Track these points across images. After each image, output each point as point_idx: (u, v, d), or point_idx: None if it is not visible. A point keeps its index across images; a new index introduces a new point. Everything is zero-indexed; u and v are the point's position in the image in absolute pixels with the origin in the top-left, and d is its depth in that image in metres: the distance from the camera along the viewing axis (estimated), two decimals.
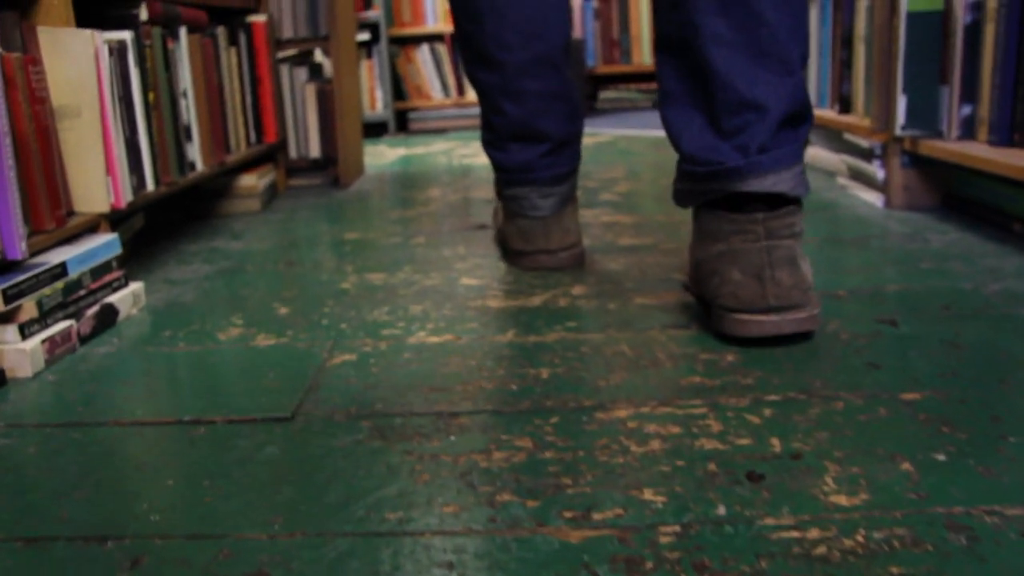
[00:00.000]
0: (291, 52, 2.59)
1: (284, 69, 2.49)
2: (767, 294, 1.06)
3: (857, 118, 2.14)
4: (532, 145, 1.47)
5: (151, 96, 1.66)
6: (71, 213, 1.42)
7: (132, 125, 1.58)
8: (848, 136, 2.15)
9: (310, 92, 2.48)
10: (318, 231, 1.95)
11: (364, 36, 3.72)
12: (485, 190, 2.33)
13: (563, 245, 1.52)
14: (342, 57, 2.47)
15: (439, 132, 3.87)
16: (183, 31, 1.85)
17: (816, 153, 2.41)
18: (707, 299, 1.15)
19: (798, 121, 1.11)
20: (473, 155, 3.08)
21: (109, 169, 1.47)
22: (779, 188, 1.08)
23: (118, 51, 1.53)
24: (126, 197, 1.53)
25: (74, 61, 1.39)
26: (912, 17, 1.73)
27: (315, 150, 2.51)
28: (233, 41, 2.21)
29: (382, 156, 3.19)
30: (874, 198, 1.93)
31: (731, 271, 1.09)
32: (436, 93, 3.88)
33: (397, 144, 3.48)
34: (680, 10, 1.10)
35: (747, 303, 1.07)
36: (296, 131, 2.52)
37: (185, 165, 1.84)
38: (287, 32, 2.47)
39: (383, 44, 3.75)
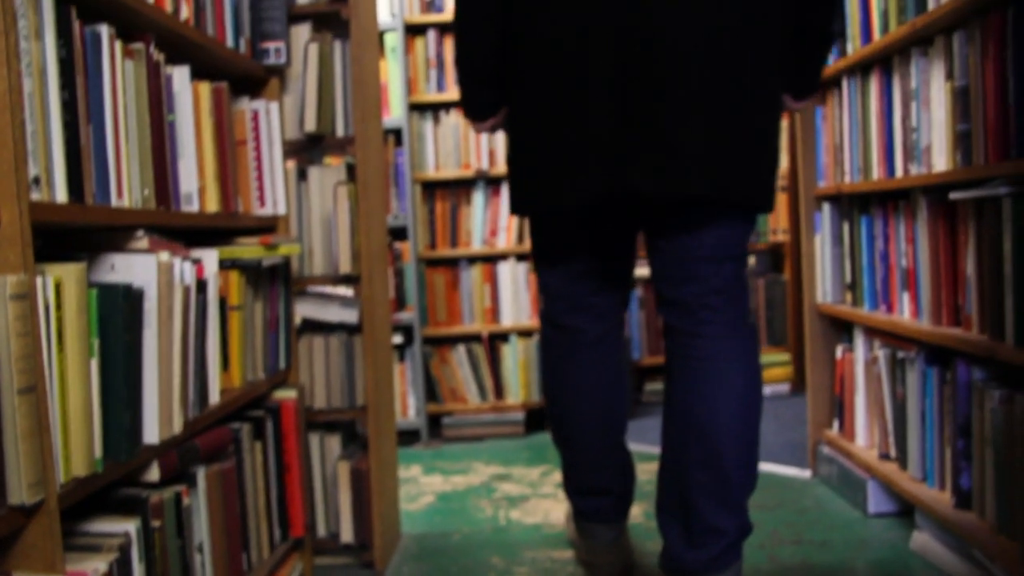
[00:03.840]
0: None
1: (314, 438, 2.21)
2: None
3: (987, 527, 1.82)
4: (603, 498, 1.98)
5: None
6: None
7: None
8: (981, 556, 1.82)
9: (343, 471, 2.18)
10: None
11: (397, 339, 3.48)
12: None
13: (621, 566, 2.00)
14: (381, 432, 2.19)
15: (476, 440, 3.56)
16: (201, 471, 1.56)
17: (928, 544, 2.08)
18: None
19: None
20: (518, 497, 2.77)
21: None
22: None
23: (118, 564, 1.23)
24: None
25: None
26: None
27: (347, 533, 2.19)
28: (259, 434, 1.93)
29: (417, 493, 2.87)
30: None
31: None
32: (472, 397, 3.60)
33: (432, 467, 3.17)
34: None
35: None
36: (327, 509, 2.21)
37: None
38: (320, 402, 2.20)
39: (416, 346, 3.50)
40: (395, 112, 3.50)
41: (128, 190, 1.41)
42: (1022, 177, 1.64)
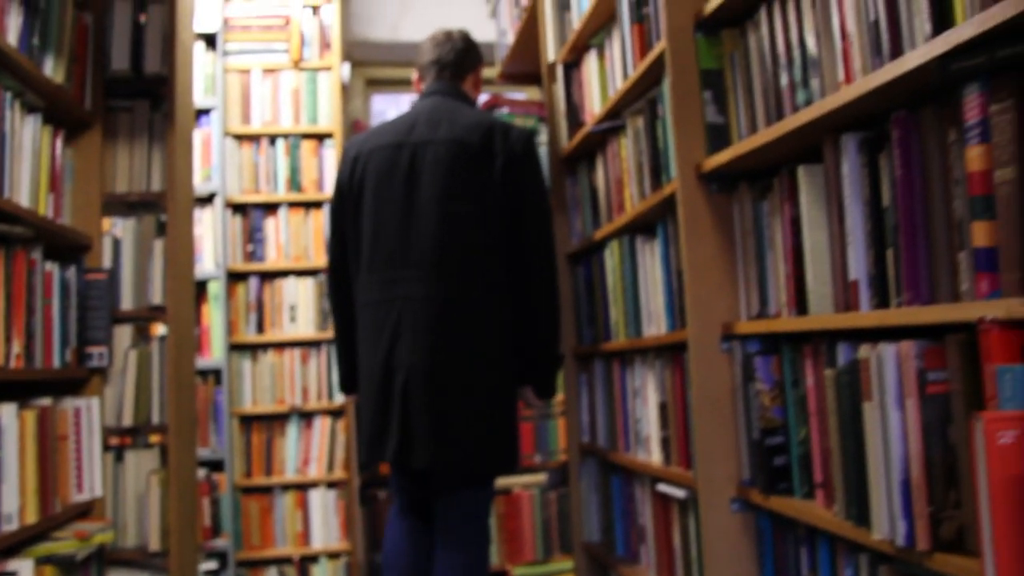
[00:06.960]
0: None
1: None
2: None
3: None
4: None
5: None
6: None
7: None
8: None
9: None
10: None
11: (212, 565, 3.70)
12: None
13: None
14: None
15: None
16: None
17: None
18: None
19: None
20: None
21: None
22: None
23: None
24: None
25: None
26: None
27: None
28: None
29: None
30: None
31: None
32: None
33: None
34: None
35: None
36: None
37: None
38: None
39: (231, 571, 3.73)
40: (216, 353, 3.82)
41: None
42: (692, 487, 2.11)
